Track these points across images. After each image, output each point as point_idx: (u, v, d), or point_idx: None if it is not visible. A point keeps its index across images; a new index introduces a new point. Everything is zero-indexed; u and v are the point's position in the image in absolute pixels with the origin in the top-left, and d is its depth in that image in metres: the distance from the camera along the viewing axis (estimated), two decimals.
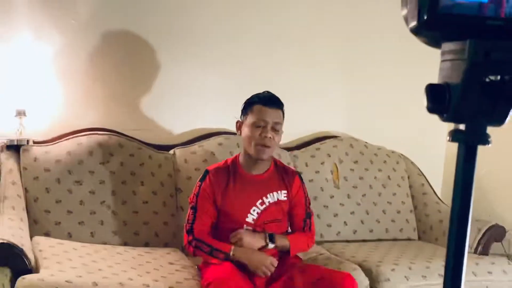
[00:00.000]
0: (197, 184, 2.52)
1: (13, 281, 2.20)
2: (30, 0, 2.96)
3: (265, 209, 2.51)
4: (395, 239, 3.45)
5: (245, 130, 2.48)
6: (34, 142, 2.90)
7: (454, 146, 3.18)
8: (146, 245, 2.89)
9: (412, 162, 3.73)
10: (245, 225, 2.49)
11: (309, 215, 2.64)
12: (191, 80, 3.32)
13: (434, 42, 0.73)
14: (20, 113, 2.88)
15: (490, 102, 0.68)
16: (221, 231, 2.50)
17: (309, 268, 2.52)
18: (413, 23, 0.67)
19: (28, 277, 2.18)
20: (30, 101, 2.94)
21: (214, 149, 3.18)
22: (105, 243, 2.79)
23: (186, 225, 2.49)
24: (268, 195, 2.53)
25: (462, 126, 0.72)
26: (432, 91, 0.70)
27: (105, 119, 3.14)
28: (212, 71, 3.36)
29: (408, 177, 3.66)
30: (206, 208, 2.48)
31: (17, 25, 2.94)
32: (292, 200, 2.59)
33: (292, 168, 2.73)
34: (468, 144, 0.72)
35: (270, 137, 2.43)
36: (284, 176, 2.59)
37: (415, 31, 0.68)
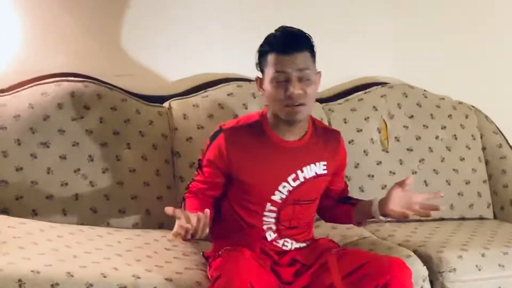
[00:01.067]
0: (207, 142, 2.51)
1: None
2: None
3: (298, 186, 2.49)
4: (462, 218, 3.47)
5: (267, 89, 2.41)
6: None
7: None
8: (135, 226, 2.91)
9: (486, 117, 3.73)
10: (268, 204, 2.49)
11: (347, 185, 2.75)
12: (192, 10, 3.32)
13: None
14: None
15: None
16: (238, 208, 2.51)
17: (347, 253, 2.50)
18: None
19: None
20: None
21: (222, 101, 3.18)
22: (81, 224, 2.80)
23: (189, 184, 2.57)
24: (304, 169, 2.48)
25: None
26: None
27: (78, 62, 3.14)
28: (218, 3, 3.36)
29: (481, 137, 3.66)
30: (211, 177, 2.50)
31: None
32: (334, 168, 2.58)
33: (332, 128, 2.70)
34: None
35: (300, 92, 2.35)
36: (326, 142, 2.55)
37: None
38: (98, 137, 2.95)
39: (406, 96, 3.55)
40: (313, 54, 2.43)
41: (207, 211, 2.22)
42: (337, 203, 2.66)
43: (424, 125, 3.53)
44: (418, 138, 3.50)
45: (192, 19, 3.32)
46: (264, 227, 2.50)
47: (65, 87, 2.98)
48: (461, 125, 3.61)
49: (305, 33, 2.43)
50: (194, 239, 2.28)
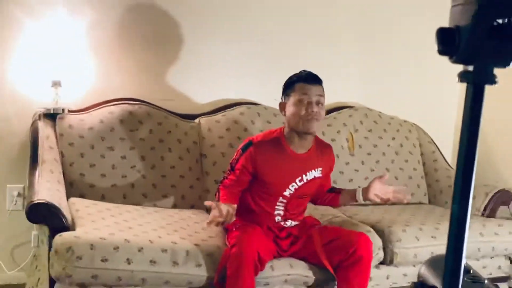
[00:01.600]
0: (239, 152, 2.46)
1: (51, 238, 2.22)
2: None
3: (302, 185, 2.49)
4: (406, 203, 3.39)
5: (290, 109, 2.41)
6: (69, 111, 2.92)
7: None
8: (174, 206, 2.90)
9: (423, 131, 3.71)
10: (280, 197, 2.49)
11: None
12: (214, 53, 3.30)
13: None
14: (56, 84, 2.89)
15: (497, 44, 0.68)
16: (258, 198, 2.50)
17: (326, 229, 2.55)
18: None
19: (65, 234, 2.20)
20: (65, 72, 2.94)
21: (236, 118, 3.17)
22: (136, 205, 2.81)
23: (222, 178, 2.52)
24: (307, 173, 2.50)
25: (470, 68, 0.72)
26: (443, 34, 0.71)
27: (135, 90, 3.14)
28: (234, 45, 3.33)
29: (420, 145, 3.64)
30: (241, 178, 2.45)
31: (52, 2, 2.94)
32: (326, 173, 2.60)
33: (326, 142, 2.71)
34: (476, 83, 0.72)
35: (316, 111, 2.38)
36: (323, 152, 2.57)
37: None
38: (148, 143, 2.95)
39: (367, 116, 3.54)
40: (323, 89, 2.47)
41: (235, 206, 2.31)
42: (326, 193, 2.66)
43: (379, 137, 3.52)
44: (375, 146, 3.49)
45: (215, 59, 3.31)
46: (275, 212, 2.50)
47: (125, 107, 2.99)
48: (405, 137, 3.60)
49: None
50: (223, 225, 2.35)
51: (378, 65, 3.69)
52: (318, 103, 2.40)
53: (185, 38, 3.23)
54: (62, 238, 2.18)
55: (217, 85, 3.34)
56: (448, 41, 0.70)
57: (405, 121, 3.67)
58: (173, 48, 3.23)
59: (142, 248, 2.23)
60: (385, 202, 2.50)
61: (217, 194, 2.47)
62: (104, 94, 3.05)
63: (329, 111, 3.53)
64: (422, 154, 3.63)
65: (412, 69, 3.71)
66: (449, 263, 0.75)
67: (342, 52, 3.60)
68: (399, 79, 3.69)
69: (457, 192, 0.75)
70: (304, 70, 2.49)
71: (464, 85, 0.76)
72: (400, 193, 2.49)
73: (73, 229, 2.31)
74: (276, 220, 2.51)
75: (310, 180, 2.51)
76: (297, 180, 2.48)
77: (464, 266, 0.96)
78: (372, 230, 2.76)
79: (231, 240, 2.33)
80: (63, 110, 2.89)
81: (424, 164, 3.60)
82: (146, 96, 3.12)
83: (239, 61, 3.37)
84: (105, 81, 3.10)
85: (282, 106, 2.47)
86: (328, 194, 2.65)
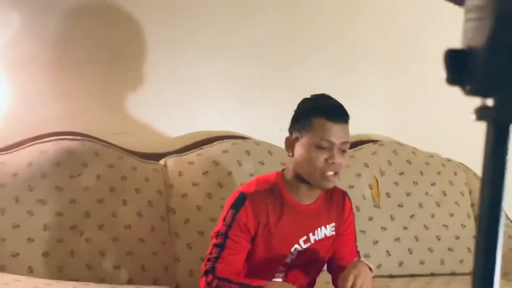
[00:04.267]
0: (230, 212, 2.36)
1: None
2: None
3: (307, 248, 2.45)
4: (453, 274, 3.42)
5: (303, 153, 2.32)
6: None
7: None
8: (130, 282, 2.85)
9: (474, 174, 3.71)
10: (280, 266, 2.44)
11: (358, 250, 2.64)
12: (189, 71, 3.31)
13: None
14: None
15: None
16: (248, 269, 2.42)
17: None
18: None
19: None
20: None
21: (217, 158, 3.15)
22: (76, 280, 2.74)
23: (205, 264, 2.35)
24: (315, 231, 2.45)
25: (490, 101, 0.73)
26: (452, 57, 0.71)
27: (77, 121, 3.12)
28: (215, 60, 3.35)
29: (470, 193, 3.64)
30: (240, 245, 2.35)
31: None
32: (342, 229, 2.54)
33: (339, 188, 2.60)
34: (498, 122, 0.73)
35: (339, 163, 2.30)
36: (334, 201, 2.52)
37: None
38: (94, 194, 2.91)
39: (396, 154, 3.55)
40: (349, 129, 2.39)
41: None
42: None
43: (414, 182, 3.51)
44: (408, 194, 3.48)
45: (189, 80, 3.32)
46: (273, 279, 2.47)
47: (63, 145, 2.95)
48: (450, 181, 3.60)
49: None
50: None
51: (411, 86, 3.73)
52: (341, 150, 2.32)
53: (147, 50, 3.24)
54: None
55: (191, 112, 3.35)
56: (459, 67, 0.71)
57: (449, 160, 3.69)
58: (130, 63, 3.24)
59: None
60: None
61: (223, 282, 2.29)
62: (34, 128, 3.02)
63: None
64: (473, 205, 3.62)
65: (456, 94, 3.70)
66: None
67: (361, 72, 3.65)
68: (440, 105, 3.69)
69: (480, 257, 0.77)
70: (326, 97, 2.41)
71: None
72: None
73: None
74: None
75: (320, 241, 2.46)
76: (301, 241, 2.43)
77: None
78: None
79: None
80: None
81: (476, 219, 3.56)
82: (92, 129, 3.11)
83: (222, 81, 3.39)
84: (36, 110, 3.08)
85: (291, 143, 2.38)
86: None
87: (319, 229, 2.45)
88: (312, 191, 2.41)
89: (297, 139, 2.35)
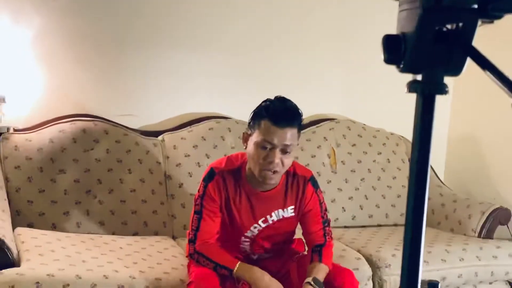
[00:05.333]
0: (202, 184, 2.25)
1: None
2: None
3: (266, 226, 2.32)
4: (395, 225, 3.42)
5: (250, 147, 2.15)
6: (15, 130, 2.87)
7: (458, 128, 3.13)
8: (135, 234, 2.85)
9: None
10: (242, 237, 2.33)
11: (326, 222, 2.36)
12: (179, 63, 3.28)
13: None
14: (0, 100, 2.84)
15: (445, 51, 0.68)
16: (224, 233, 2.32)
17: (306, 262, 2.34)
18: None
19: (7, 272, 2.13)
20: (10, 87, 2.90)
21: (204, 134, 3.15)
22: (91, 234, 2.74)
23: (189, 233, 2.26)
24: (272, 214, 2.28)
25: (419, 77, 0.73)
26: (389, 41, 0.71)
27: (89, 105, 3.10)
28: (201, 54, 3.32)
29: (409, 160, 3.62)
30: (212, 212, 2.23)
31: None
32: (304, 212, 2.34)
33: (305, 172, 2.35)
34: (425, 93, 0.73)
35: (277, 162, 2.11)
36: (294, 188, 2.29)
37: None
38: (105, 164, 2.91)
39: (349, 129, 3.53)
40: (299, 129, 2.19)
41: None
42: (309, 250, 2.37)
43: (364, 152, 3.51)
44: (359, 161, 3.47)
45: (181, 69, 3.29)
46: (241, 246, 2.37)
47: (79, 125, 2.94)
48: (393, 151, 3.59)
49: (299, 110, 2.18)
50: None
51: (361, 73, 3.70)
52: (284, 151, 2.12)
53: (147, 46, 3.21)
54: (4, 276, 2.11)
55: (182, 97, 3.32)
56: (394, 49, 0.71)
57: (392, 133, 3.67)
58: (134, 57, 3.20)
59: (95, 285, 2.18)
60: None
61: (198, 263, 2.22)
62: (54, 110, 3.01)
63: (307, 124, 3.51)
64: None
65: (399, 76, 3.71)
66: (405, 280, 0.78)
67: (320, 61, 3.61)
68: (384, 88, 3.67)
69: (410, 208, 0.77)
70: (280, 100, 2.19)
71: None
72: None
73: (19, 264, 2.24)
74: (243, 251, 2.41)
75: (277, 221, 2.31)
76: (260, 222, 2.30)
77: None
78: (362, 257, 2.76)
79: (190, 276, 2.24)
80: (7, 129, 2.85)
81: None
82: (102, 111, 3.09)
83: (207, 71, 3.35)
84: (56, 95, 3.06)
85: (245, 137, 2.21)
86: (310, 253, 2.35)
87: (276, 211, 2.29)
88: (264, 184, 2.23)
89: (249, 135, 2.18)
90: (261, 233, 2.32)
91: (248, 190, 2.25)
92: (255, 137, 2.13)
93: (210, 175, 2.24)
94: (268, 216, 2.29)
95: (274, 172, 2.13)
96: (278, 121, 2.10)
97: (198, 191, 2.26)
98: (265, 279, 2.16)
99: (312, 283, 2.16)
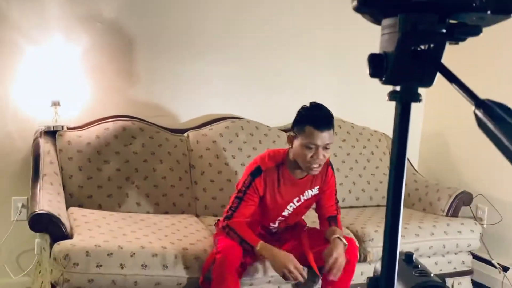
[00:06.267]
0: (249, 178, 2.29)
1: (52, 245, 2.19)
2: (61, 8, 2.92)
3: (300, 205, 2.40)
4: (378, 206, 3.42)
5: (297, 147, 2.22)
6: (68, 128, 2.88)
7: (428, 127, 3.13)
8: (165, 213, 2.87)
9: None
10: (279, 218, 2.40)
11: (337, 199, 2.50)
12: (202, 74, 3.28)
13: (375, 19, 0.74)
14: (55, 104, 2.86)
15: (419, 67, 0.69)
16: (257, 215, 2.38)
17: (314, 232, 2.46)
18: (355, 3, 0.69)
19: (62, 242, 2.17)
20: (64, 93, 2.91)
21: (221, 131, 3.15)
22: (130, 212, 2.77)
23: (227, 210, 2.30)
24: (304, 193, 2.38)
25: (398, 88, 0.74)
26: (373, 59, 0.72)
27: (128, 107, 3.11)
28: (219, 66, 3.32)
29: (389, 153, 3.62)
30: (252, 202, 2.29)
31: (51, 29, 2.90)
32: (324, 190, 2.43)
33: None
34: (403, 101, 0.74)
35: (322, 158, 2.20)
36: (320, 172, 2.34)
37: (357, 10, 0.69)
38: (141, 156, 2.92)
39: (340, 127, 3.51)
40: (333, 129, 2.25)
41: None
42: (324, 219, 2.47)
43: (352, 146, 3.50)
44: (348, 154, 3.47)
45: (202, 79, 3.29)
46: (271, 225, 2.44)
47: (120, 124, 2.96)
48: (376, 145, 3.58)
49: (332, 114, 2.25)
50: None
51: (350, 82, 3.68)
52: (325, 148, 2.21)
53: (174, 61, 3.21)
54: (60, 246, 2.14)
55: (204, 102, 3.32)
56: (378, 65, 0.71)
57: (375, 131, 3.66)
58: (164, 68, 3.20)
59: (134, 253, 2.20)
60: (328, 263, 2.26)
61: (227, 235, 2.27)
62: (100, 112, 3.02)
63: None
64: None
65: (381, 87, 3.70)
66: (386, 252, 0.77)
67: (317, 71, 3.59)
68: (369, 94, 3.65)
69: (390, 196, 0.76)
70: (318, 109, 2.24)
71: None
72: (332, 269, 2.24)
73: (71, 237, 2.27)
74: (270, 228, 2.46)
75: (307, 199, 2.40)
76: (294, 201, 2.38)
77: (413, 261, 0.96)
78: (350, 232, 2.76)
79: (219, 245, 2.25)
80: (62, 127, 2.86)
81: None
82: (138, 113, 3.10)
83: (223, 80, 3.35)
84: (101, 100, 3.07)
85: (290, 139, 2.27)
86: (325, 222, 2.47)
87: (306, 192, 2.38)
88: (303, 171, 2.31)
89: (295, 137, 2.25)
90: (294, 210, 2.39)
91: (288, 179, 2.32)
92: (301, 140, 2.20)
93: (258, 172, 2.29)
94: (301, 196, 2.37)
95: (319, 165, 2.23)
96: (319, 127, 2.17)
97: (244, 182, 2.30)
98: (281, 253, 2.21)
99: (340, 237, 2.29)
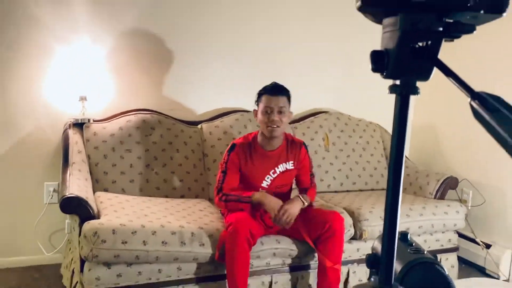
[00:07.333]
0: (226, 154, 2.43)
1: (81, 225, 2.21)
2: (88, 12, 2.92)
3: (276, 176, 2.45)
4: (372, 189, 3.43)
5: (259, 116, 2.38)
6: (94, 121, 2.89)
7: (419, 118, 3.11)
8: (182, 197, 2.88)
9: (386, 130, 3.68)
10: (260, 189, 2.44)
11: (312, 175, 2.60)
12: (213, 71, 3.27)
13: (377, 18, 0.73)
14: (83, 99, 2.87)
15: (418, 62, 0.69)
16: (243, 189, 2.43)
17: (306, 210, 2.49)
18: (358, 3, 0.69)
19: (92, 222, 2.18)
20: (90, 89, 2.92)
21: (232, 123, 3.15)
22: (150, 196, 2.78)
23: (216, 186, 2.40)
24: (279, 166, 2.45)
25: (397, 82, 0.73)
26: (375, 55, 0.71)
27: (148, 102, 3.11)
28: (230, 64, 3.31)
29: (383, 142, 3.62)
30: (234, 171, 2.40)
31: (79, 31, 2.91)
32: (299, 166, 2.52)
33: (300, 140, 2.56)
34: (403, 94, 0.73)
35: (277, 119, 2.33)
36: (293, 149, 2.48)
37: (361, 9, 0.69)
38: (159, 145, 2.92)
39: (339, 119, 3.51)
40: (289, 99, 2.39)
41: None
42: (300, 191, 2.57)
43: (349, 136, 3.49)
44: (346, 143, 3.46)
45: (215, 76, 3.28)
46: None
47: (140, 117, 2.96)
48: (371, 135, 3.57)
49: (286, 88, 2.41)
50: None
51: (348, 78, 3.67)
52: (279, 112, 2.33)
53: (189, 59, 3.20)
54: (89, 225, 2.15)
55: (215, 96, 3.31)
56: (379, 61, 0.70)
57: (370, 122, 3.64)
58: (180, 67, 3.19)
59: (155, 231, 2.21)
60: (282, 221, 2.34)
61: (226, 203, 2.36)
62: (122, 106, 3.03)
63: (307, 116, 3.52)
64: (384, 149, 3.60)
65: (375, 80, 3.69)
66: (386, 232, 0.76)
67: (318, 69, 3.58)
68: (365, 89, 3.68)
69: (390, 180, 0.75)
70: (274, 82, 2.42)
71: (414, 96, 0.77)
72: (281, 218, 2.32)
73: (99, 218, 2.29)
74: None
75: (283, 172, 2.46)
76: (270, 173, 2.44)
77: (408, 240, 0.96)
78: (344, 211, 2.75)
79: (227, 221, 2.30)
80: (89, 120, 2.87)
81: (386, 157, 3.58)
82: (157, 107, 3.10)
83: (234, 77, 3.34)
84: (124, 95, 3.07)
85: (255, 112, 2.44)
86: (301, 192, 2.58)
87: (281, 165, 2.45)
88: (271, 142, 2.42)
89: (256, 110, 2.42)
90: (273, 183, 2.43)
91: (260, 152, 2.42)
92: (260, 108, 2.38)
93: (232, 148, 2.43)
94: (276, 168, 2.44)
95: (276, 126, 2.33)
96: (272, 93, 2.35)
97: (224, 159, 2.43)
98: (272, 198, 2.33)
99: (300, 196, 2.41)
